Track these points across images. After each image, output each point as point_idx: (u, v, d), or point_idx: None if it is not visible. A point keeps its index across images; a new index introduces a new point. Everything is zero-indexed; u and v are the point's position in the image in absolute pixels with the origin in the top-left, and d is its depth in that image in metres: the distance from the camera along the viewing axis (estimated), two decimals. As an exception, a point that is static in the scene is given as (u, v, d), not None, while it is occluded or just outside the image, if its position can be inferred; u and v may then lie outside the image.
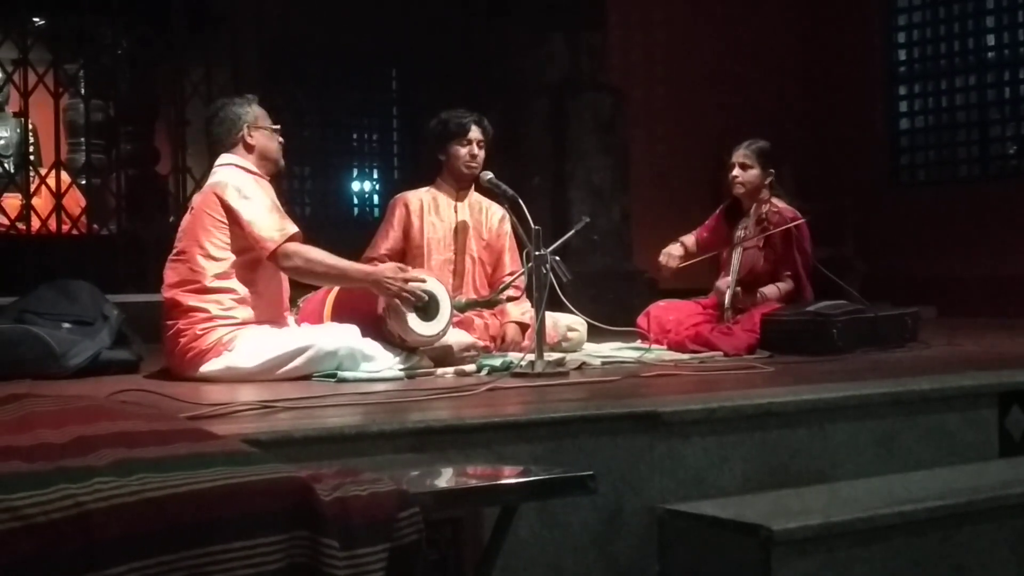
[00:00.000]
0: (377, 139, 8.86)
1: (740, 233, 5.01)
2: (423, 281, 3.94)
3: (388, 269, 3.95)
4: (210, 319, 3.77)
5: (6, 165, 6.89)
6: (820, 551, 2.75)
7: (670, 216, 7.29)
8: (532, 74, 7.53)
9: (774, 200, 4.99)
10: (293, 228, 3.84)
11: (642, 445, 2.93)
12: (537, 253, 3.84)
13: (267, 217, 3.82)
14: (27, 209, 6.30)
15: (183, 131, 6.69)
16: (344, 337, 3.81)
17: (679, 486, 2.97)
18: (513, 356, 4.05)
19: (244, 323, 3.81)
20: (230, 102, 4.06)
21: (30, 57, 6.43)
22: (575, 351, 4.54)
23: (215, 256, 3.82)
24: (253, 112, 4.02)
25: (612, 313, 4.63)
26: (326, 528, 1.78)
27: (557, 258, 3.91)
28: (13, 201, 6.57)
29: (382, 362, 3.85)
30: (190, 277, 3.82)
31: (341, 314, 4.03)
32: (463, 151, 4.67)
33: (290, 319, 4.06)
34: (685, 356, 4.49)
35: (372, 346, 3.85)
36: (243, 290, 3.84)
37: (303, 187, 8.07)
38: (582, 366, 4.12)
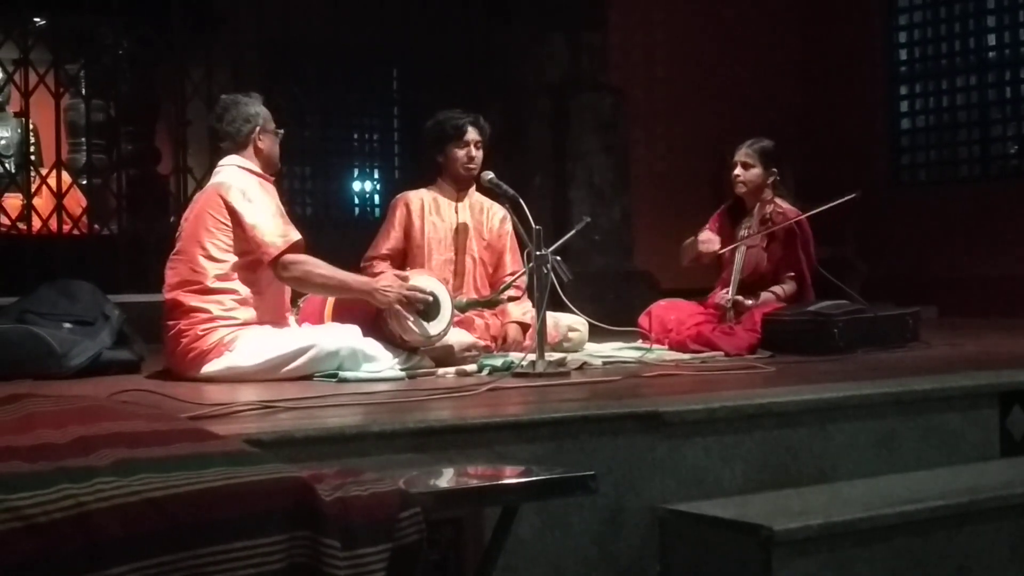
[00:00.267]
0: (378, 139, 8.86)
1: (743, 233, 5.00)
2: (423, 290, 3.93)
3: (386, 279, 3.94)
4: (211, 319, 3.77)
5: (7, 165, 6.88)
6: (821, 551, 2.75)
7: (671, 216, 7.30)
8: (533, 74, 7.53)
9: (777, 200, 4.99)
10: (296, 235, 3.83)
11: (643, 445, 2.93)
12: (538, 253, 3.84)
13: (270, 222, 3.81)
14: (28, 209, 6.30)
15: (184, 131, 6.69)
16: (345, 337, 3.81)
17: (680, 486, 2.97)
18: (514, 356, 4.05)
19: (245, 323, 3.81)
20: (240, 100, 4.01)
21: (31, 57, 6.43)
22: (576, 351, 4.54)
23: (216, 257, 3.82)
24: (263, 114, 4.00)
25: (613, 313, 4.64)
26: (327, 528, 1.78)
27: (558, 258, 3.91)
28: (14, 201, 6.57)
29: (383, 362, 3.85)
30: (191, 278, 3.82)
31: (342, 314, 4.03)
32: (460, 153, 4.66)
33: (291, 319, 4.06)
34: (686, 356, 4.49)
35: (373, 346, 3.85)
36: (244, 291, 3.83)
37: (304, 187, 8.06)
38: (583, 366, 4.12)
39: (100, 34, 6.97)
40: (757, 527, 2.70)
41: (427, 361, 4.02)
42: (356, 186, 8.76)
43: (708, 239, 4.96)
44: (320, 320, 4.09)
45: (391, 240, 4.69)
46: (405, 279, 3.96)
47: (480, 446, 2.70)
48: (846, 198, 4.82)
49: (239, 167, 3.95)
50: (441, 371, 3.96)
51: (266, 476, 1.81)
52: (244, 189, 3.84)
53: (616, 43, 7.95)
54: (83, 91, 6.99)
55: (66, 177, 6.57)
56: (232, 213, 3.81)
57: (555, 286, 3.88)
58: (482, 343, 4.40)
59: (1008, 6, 8.34)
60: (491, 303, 4.59)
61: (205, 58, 6.77)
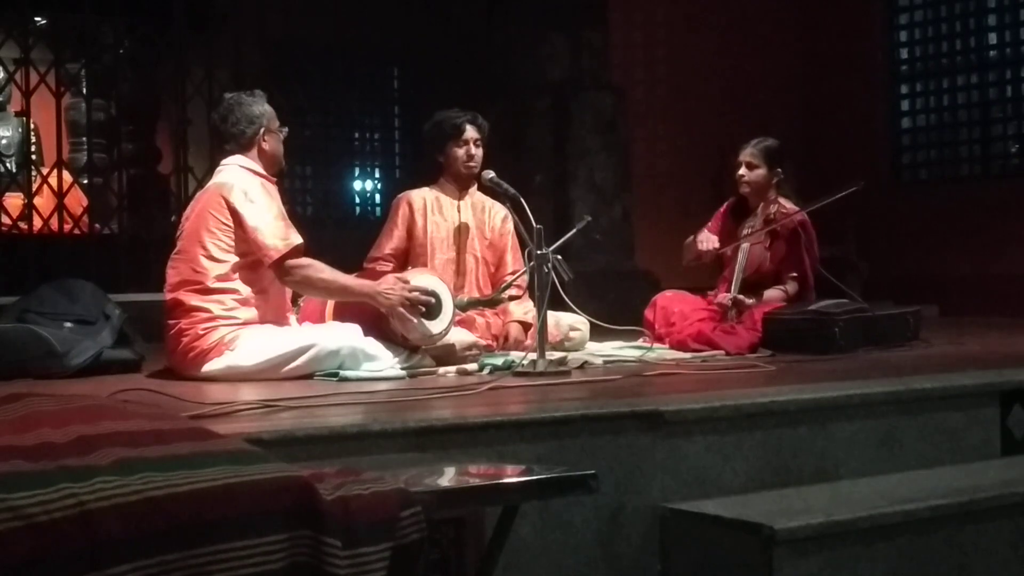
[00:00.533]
0: (379, 138, 8.86)
1: (746, 232, 5.00)
2: (424, 287, 3.93)
3: (387, 282, 3.94)
4: (212, 319, 3.77)
5: (8, 164, 6.87)
6: (822, 550, 2.75)
7: (672, 215, 7.31)
8: (534, 73, 7.53)
9: (781, 200, 4.98)
10: (297, 239, 3.82)
11: (644, 444, 2.93)
12: (539, 252, 3.84)
13: (272, 224, 3.80)
14: (29, 209, 6.30)
15: (185, 130, 6.69)
16: (346, 336, 3.81)
17: (681, 485, 2.97)
18: (515, 355, 4.05)
19: (246, 323, 3.80)
20: (245, 101, 3.98)
21: (32, 56, 6.43)
22: (577, 350, 4.54)
23: (217, 257, 3.81)
24: (267, 114, 3.98)
25: (614, 312, 4.63)
26: (328, 527, 1.78)
27: (559, 257, 3.91)
28: (15, 201, 6.56)
29: (384, 361, 3.85)
30: (192, 277, 3.81)
31: (343, 313, 4.03)
32: (460, 152, 4.66)
33: (292, 318, 4.06)
34: (687, 355, 4.49)
35: (374, 345, 3.85)
36: (245, 291, 3.83)
37: (305, 187, 8.07)
38: (584, 365, 4.12)
39: (101, 33, 6.97)
40: (758, 526, 2.70)
41: (428, 360, 4.02)
42: (357, 185, 8.76)
43: (706, 238, 4.95)
44: (321, 319, 4.08)
45: (394, 240, 4.68)
46: (406, 282, 3.95)
47: (481, 445, 2.70)
48: (848, 190, 4.82)
49: (242, 167, 3.94)
50: (442, 370, 3.96)
51: (267, 475, 1.81)
52: (246, 190, 3.83)
53: (617, 42, 7.95)
54: (84, 90, 6.99)
55: (67, 176, 6.56)
56: (234, 214, 3.80)
57: (556, 285, 3.88)
58: (483, 342, 4.40)
59: (1008, 5, 8.34)
60: (492, 302, 4.59)
61: (206, 57, 6.77)
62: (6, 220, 6.44)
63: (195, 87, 6.70)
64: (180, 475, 1.74)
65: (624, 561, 2.88)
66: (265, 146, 3.97)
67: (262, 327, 3.83)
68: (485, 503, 2.32)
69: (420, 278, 4.05)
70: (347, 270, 4.12)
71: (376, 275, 4.24)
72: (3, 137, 7.46)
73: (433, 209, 4.72)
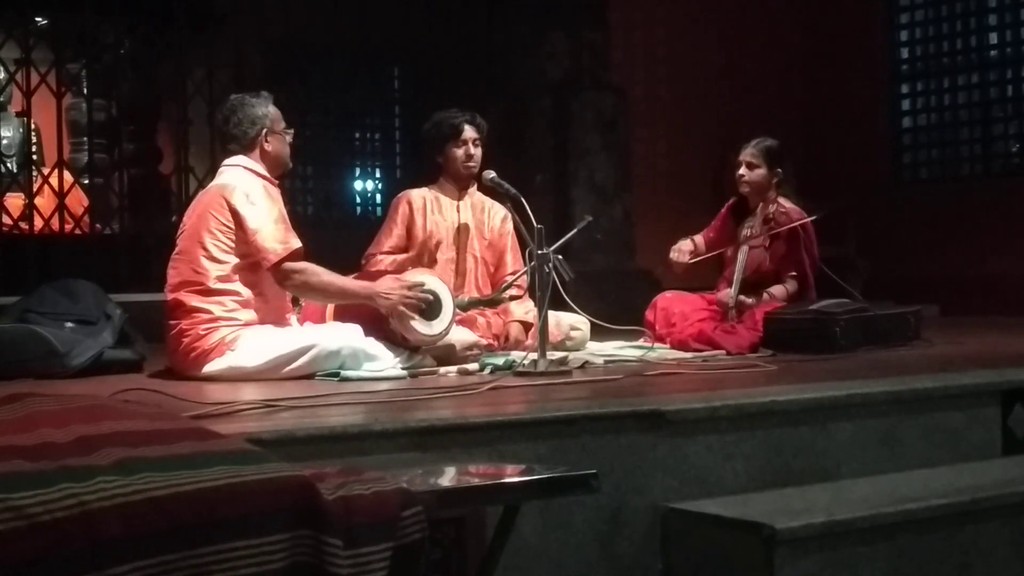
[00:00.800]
0: (379, 138, 8.86)
1: (746, 232, 5.00)
2: (423, 285, 3.93)
3: (385, 283, 3.93)
4: (213, 320, 3.77)
5: (9, 165, 6.87)
6: (823, 550, 2.75)
7: (673, 215, 7.30)
8: (534, 73, 7.53)
9: (781, 200, 4.97)
10: (296, 243, 3.82)
11: (645, 444, 2.93)
12: (539, 252, 3.84)
13: (272, 227, 3.80)
14: (30, 209, 6.30)
15: (186, 130, 6.69)
16: (347, 336, 3.81)
17: (682, 485, 2.97)
18: (516, 355, 4.05)
19: (247, 324, 3.80)
20: (248, 102, 3.98)
21: (33, 57, 6.43)
22: (578, 350, 4.54)
23: (218, 258, 3.81)
24: (271, 115, 3.97)
25: (615, 312, 4.63)
26: (329, 527, 1.78)
27: (559, 257, 3.91)
28: (16, 201, 6.56)
29: (385, 361, 3.85)
30: (193, 278, 3.81)
31: (344, 313, 4.03)
32: (459, 152, 4.66)
33: (292, 319, 4.06)
34: (688, 355, 4.49)
35: (375, 345, 3.85)
36: (246, 292, 3.83)
37: (305, 186, 8.06)
38: (585, 365, 4.12)
39: (101, 33, 6.97)
40: (759, 525, 2.70)
41: (429, 360, 4.02)
42: (358, 185, 8.76)
43: (678, 251, 4.97)
44: (322, 320, 4.08)
45: (393, 238, 4.68)
46: (404, 282, 3.95)
47: (482, 445, 2.70)
48: (839, 206, 4.82)
49: (245, 168, 3.94)
50: (443, 370, 3.96)
51: (268, 475, 1.81)
52: (248, 192, 3.83)
53: (618, 42, 7.95)
54: (84, 90, 6.99)
55: (68, 177, 6.57)
56: (235, 215, 3.80)
57: (557, 285, 3.88)
58: (484, 342, 4.40)
59: (1009, 4, 8.34)
60: (493, 302, 4.59)
61: (206, 57, 6.77)
62: (7, 220, 6.44)
63: (196, 87, 6.71)
64: (181, 475, 1.74)
65: (625, 561, 2.88)
66: (267, 147, 3.97)
67: (263, 328, 3.83)
68: (486, 503, 2.32)
69: (420, 278, 4.05)
70: (347, 270, 4.12)
71: (375, 274, 4.24)
72: (4, 137, 7.46)
73: (433, 209, 4.72)
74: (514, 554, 2.58)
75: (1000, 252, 7.89)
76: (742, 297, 4.80)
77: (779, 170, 4.98)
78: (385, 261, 4.57)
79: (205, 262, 3.81)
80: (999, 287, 7.69)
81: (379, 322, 3.92)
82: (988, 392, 3.55)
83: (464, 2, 7.63)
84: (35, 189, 6.50)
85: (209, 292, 3.79)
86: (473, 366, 3.98)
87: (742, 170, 5.00)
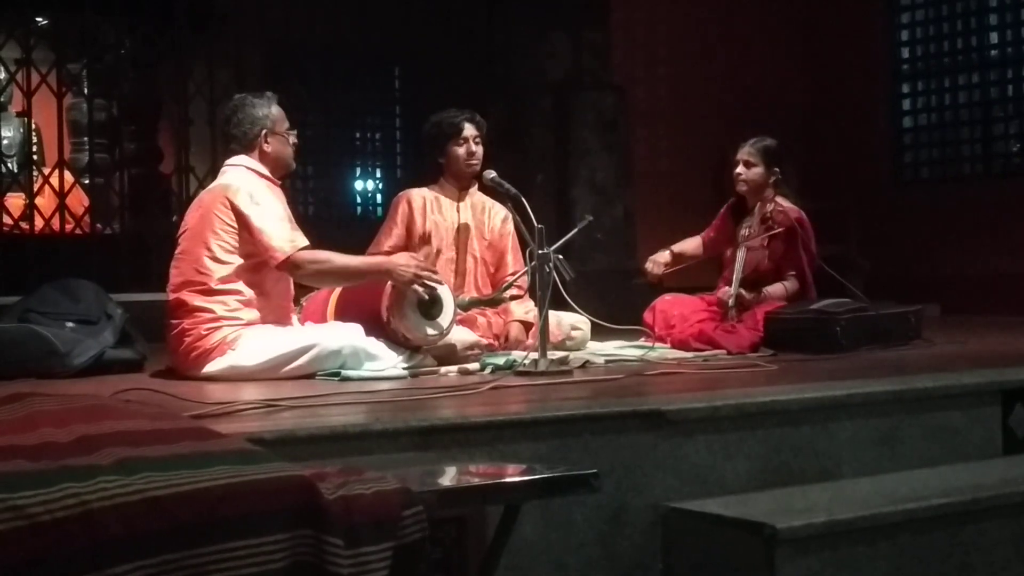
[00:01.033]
0: (380, 138, 8.86)
1: (744, 232, 5.00)
2: (436, 272, 3.95)
3: (400, 257, 3.94)
4: (215, 319, 3.77)
5: (9, 165, 6.87)
6: (824, 549, 2.75)
7: (673, 214, 7.30)
8: (535, 72, 7.53)
9: (779, 199, 4.97)
10: (303, 241, 3.82)
11: (646, 443, 2.93)
12: (540, 252, 3.84)
13: (278, 227, 3.80)
14: (30, 209, 6.30)
15: (186, 130, 6.69)
16: (348, 336, 3.81)
17: (683, 484, 2.97)
18: (516, 355, 4.05)
19: (249, 324, 3.80)
20: (249, 102, 3.98)
21: (33, 57, 6.43)
22: (578, 350, 4.53)
23: (221, 259, 3.81)
24: (272, 116, 3.97)
25: (615, 311, 4.62)
26: (330, 527, 1.78)
27: (560, 256, 3.90)
28: (16, 201, 6.57)
29: (386, 361, 3.85)
30: (195, 278, 3.81)
31: (345, 313, 4.03)
32: (460, 150, 4.66)
33: (293, 318, 4.06)
34: (689, 354, 4.48)
35: (376, 345, 3.85)
36: (249, 292, 3.83)
37: (306, 186, 8.06)
38: (585, 364, 4.12)
39: (102, 33, 6.97)
40: (760, 525, 2.70)
41: (429, 360, 4.02)
42: (358, 185, 8.76)
43: (653, 262, 5.00)
44: (323, 319, 4.09)
45: (393, 237, 4.68)
46: (417, 259, 3.95)
47: (483, 445, 2.70)
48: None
49: (247, 168, 3.94)
50: (444, 370, 3.96)
51: (269, 475, 1.81)
52: (252, 192, 3.83)
53: (618, 41, 7.95)
54: (85, 90, 6.98)
55: (68, 176, 6.57)
56: (239, 216, 3.80)
57: (557, 285, 3.88)
58: (484, 342, 4.40)
59: (1010, 4, 8.33)
60: (493, 302, 4.59)
61: (207, 57, 6.77)
62: (8, 220, 6.44)
63: (196, 87, 6.71)
64: (182, 475, 1.74)
65: (626, 560, 2.88)
66: (267, 148, 3.96)
67: (264, 327, 3.83)
68: (487, 502, 2.32)
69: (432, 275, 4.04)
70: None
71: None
72: (5, 137, 7.46)
73: (433, 208, 4.72)
74: (515, 554, 2.58)
75: (1001, 251, 7.89)
76: (742, 291, 4.80)
77: (776, 169, 4.98)
78: None
79: (208, 262, 3.81)
80: (1000, 286, 7.69)
81: (380, 321, 3.93)
82: (989, 392, 3.54)
83: (465, 2, 7.63)
84: (36, 189, 6.50)
85: (211, 292, 3.80)
86: (474, 366, 3.98)
87: (740, 169, 5.00)
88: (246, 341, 3.75)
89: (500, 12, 7.64)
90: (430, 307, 3.95)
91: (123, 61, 7.21)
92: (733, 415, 3.07)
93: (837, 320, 4.59)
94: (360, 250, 4.71)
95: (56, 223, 6.38)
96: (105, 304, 4.29)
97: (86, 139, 7.17)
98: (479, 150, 4.67)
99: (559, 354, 4.06)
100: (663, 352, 4.55)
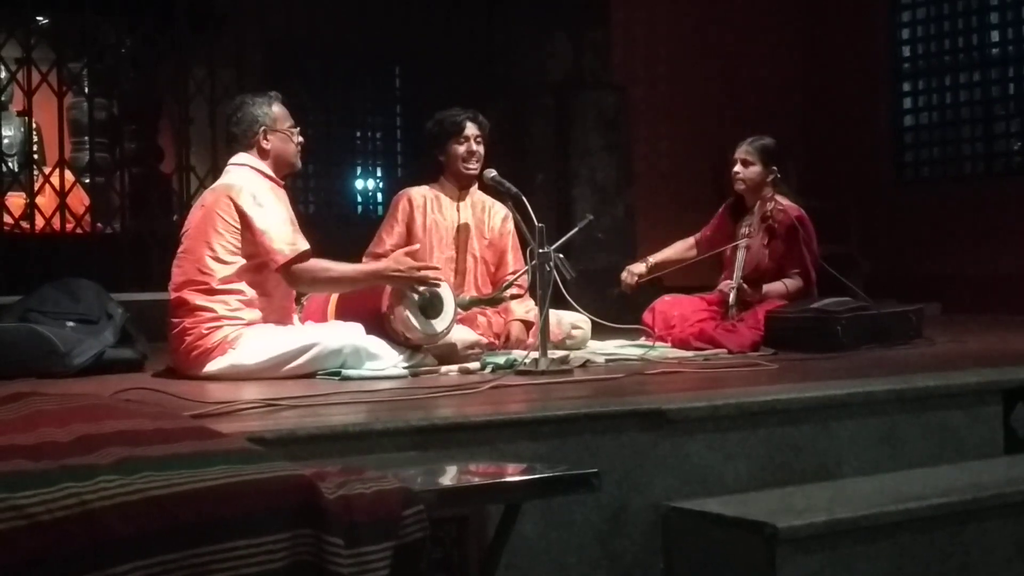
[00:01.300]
0: (381, 137, 8.85)
1: (744, 231, 5.00)
2: (437, 269, 3.94)
3: (393, 260, 3.94)
4: (217, 319, 3.77)
5: (10, 164, 6.87)
6: (825, 548, 2.75)
7: (674, 213, 7.30)
8: (535, 72, 7.53)
9: (778, 198, 4.97)
10: (304, 245, 3.82)
11: (646, 443, 2.93)
12: (541, 251, 3.84)
13: (280, 229, 3.80)
14: (31, 208, 6.30)
15: (187, 129, 6.69)
16: (348, 335, 3.81)
17: (683, 484, 2.97)
18: (517, 354, 4.05)
19: (250, 324, 3.80)
20: (250, 101, 3.99)
21: (34, 56, 6.43)
22: (579, 349, 4.54)
23: (224, 259, 3.81)
24: (272, 114, 3.97)
25: (616, 311, 4.63)
26: (330, 526, 1.78)
27: (561, 256, 3.90)
28: (17, 200, 6.56)
29: (386, 360, 3.84)
30: (198, 277, 3.81)
31: (345, 312, 4.03)
32: (461, 149, 4.66)
33: (294, 317, 4.06)
34: (689, 354, 4.48)
35: (376, 344, 3.85)
36: (251, 292, 3.83)
37: (306, 185, 8.06)
38: (586, 364, 4.12)
39: (103, 33, 6.97)
40: (761, 524, 2.70)
41: (430, 359, 4.02)
42: (359, 184, 8.75)
43: (629, 272, 5.02)
44: (323, 318, 4.09)
45: (394, 236, 4.68)
46: (413, 253, 3.95)
47: (483, 444, 2.70)
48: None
49: (251, 168, 3.94)
50: (444, 369, 3.96)
51: (269, 474, 1.81)
52: (255, 193, 3.83)
53: (619, 41, 7.95)
54: (86, 90, 6.98)
55: (69, 176, 6.56)
56: (242, 217, 3.80)
57: (558, 284, 3.88)
58: (485, 341, 4.40)
59: (1011, 2, 8.32)
60: (494, 301, 4.59)
61: (208, 56, 6.77)
62: (8, 220, 6.43)
63: (197, 86, 6.71)
64: (182, 474, 1.74)
65: (626, 560, 2.88)
66: (266, 146, 3.96)
67: (265, 326, 3.83)
68: (487, 502, 2.32)
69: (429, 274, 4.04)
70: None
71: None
72: (5, 136, 7.45)
73: (433, 207, 4.72)
74: (515, 553, 2.58)
75: (1002, 250, 7.89)
76: (743, 283, 4.80)
77: (775, 168, 4.97)
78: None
79: (211, 262, 3.81)
80: (1001, 285, 7.69)
81: (380, 321, 3.93)
82: (990, 391, 3.54)
83: (465, 2, 7.63)
84: (36, 188, 6.49)
85: (213, 291, 3.80)
86: (474, 365, 3.98)
87: (737, 168, 5.00)
88: (247, 340, 3.76)
89: (501, 12, 7.64)
90: (430, 306, 3.95)
91: (123, 61, 7.21)
92: (734, 414, 3.07)
93: (838, 319, 4.59)
94: (361, 248, 4.71)
95: (57, 222, 6.38)
96: (106, 303, 4.29)
97: (87, 138, 7.17)
98: (480, 150, 4.67)
99: (560, 353, 4.06)
100: (664, 351, 4.55)
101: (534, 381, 3.59)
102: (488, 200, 4.79)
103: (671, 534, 2.91)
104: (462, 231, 4.73)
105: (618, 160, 7.49)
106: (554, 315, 4.20)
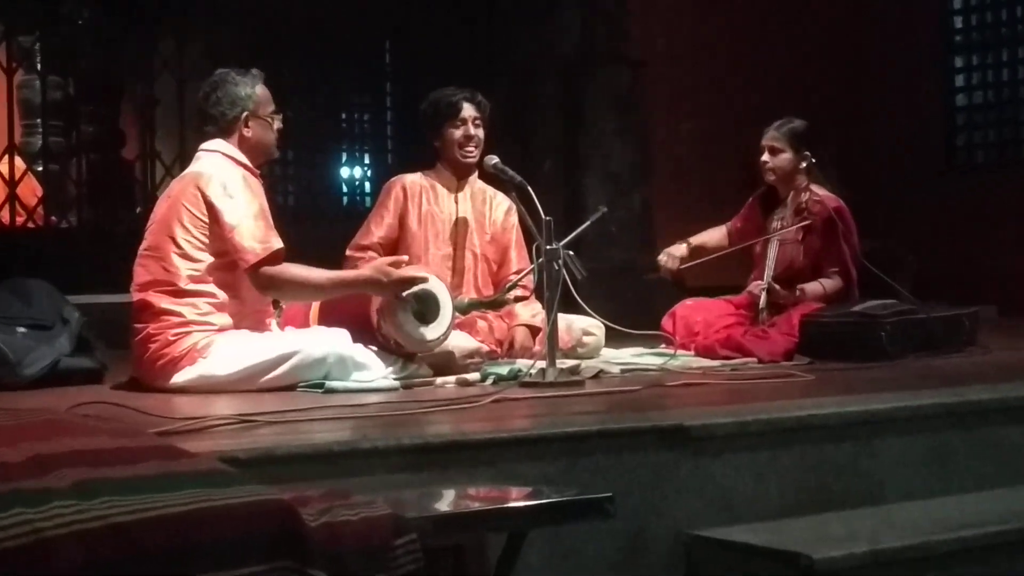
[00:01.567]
0: (369, 120, 8.87)
1: (776, 224, 5.00)
2: (426, 279, 3.93)
3: (375, 269, 3.92)
4: (184, 324, 3.77)
5: (-47, 150, 6.90)
6: (867, 582, 2.76)
7: (696, 205, 7.30)
8: (542, 47, 7.54)
9: (814, 187, 4.97)
10: (278, 243, 3.82)
11: (667, 463, 2.93)
12: (548, 247, 3.85)
13: (251, 224, 3.79)
14: (-24, 199, 6.33)
15: (152, 111, 6.72)
16: (333, 342, 3.82)
17: (708, 509, 2.98)
18: (522, 363, 4.06)
19: (222, 329, 3.81)
20: (231, 79, 3.96)
21: (-21, 29, 6.46)
22: (591, 357, 4.55)
23: (191, 256, 3.81)
24: (255, 97, 3.96)
25: (632, 314, 4.63)
26: (312, 557, 1.78)
27: (571, 253, 3.91)
28: (-39, 191, 6.59)
29: (375, 370, 3.85)
30: (163, 277, 3.82)
31: (329, 317, 4.04)
32: (457, 133, 4.66)
33: (273, 323, 4.06)
34: (715, 363, 4.49)
35: (364, 353, 3.86)
36: (222, 294, 3.83)
37: (286, 173, 8.07)
38: (599, 374, 4.13)
39: (58, 2, 6.98)
40: (795, 555, 2.71)
41: (424, 369, 4.02)
42: (344, 173, 8.76)
43: (668, 255, 4.98)
44: (305, 323, 4.10)
45: (384, 227, 4.68)
46: (397, 264, 3.93)
47: (484, 465, 2.71)
48: None
49: (223, 154, 3.94)
50: (440, 380, 3.97)
51: (244, 499, 1.81)
52: (226, 183, 3.83)
53: (635, 10, 7.94)
54: (38, 66, 7.00)
55: (19, 163, 6.58)
56: (210, 209, 3.80)
57: (567, 284, 3.88)
58: (486, 348, 4.40)
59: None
60: (496, 304, 4.60)
61: (176, 30, 6.78)
62: (-48, 212, 6.46)
63: (163, 63, 6.72)
64: (147, 499, 1.74)
65: (644, 594, 2.89)
66: (247, 133, 3.96)
67: (239, 333, 3.83)
68: (488, 529, 2.33)
69: (417, 275, 4.05)
70: (332, 268, 4.12)
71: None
72: (-51, 119, 7.47)
73: (428, 198, 4.72)
74: (520, 587, 2.58)
75: (1066, 246, 7.89)
76: (773, 284, 4.79)
77: (807, 154, 4.97)
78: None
79: (177, 260, 3.81)
80: (1065, 286, 7.69)
81: (369, 326, 3.93)
82: (1052, 405, 3.55)
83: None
84: (-18, 177, 6.52)
85: (181, 293, 3.80)
86: (474, 376, 3.99)
87: (765, 156, 5.01)
88: (219, 348, 3.76)
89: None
90: (425, 310, 3.95)
91: (81, 33, 7.21)
92: (764, 431, 3.08)
93: (882, 324, 4.60)
94: (346, 246, 4.72)
95: (6, 215, 6.40)
96: (61, 307, 4.30)
97: (39, 121, 7.17)
98: (479, 134, 4.67)
99: (569, 362, 4.08)
100: (686, 360, 4.56)
101: (541, 394, 3.60)
102: (489, 191, 4.80)
103: (694, 565, 2.92)
104: (460, 225, 4.73)
105: (634, 145, 7.50)
106: (563, 319, 4.21)
